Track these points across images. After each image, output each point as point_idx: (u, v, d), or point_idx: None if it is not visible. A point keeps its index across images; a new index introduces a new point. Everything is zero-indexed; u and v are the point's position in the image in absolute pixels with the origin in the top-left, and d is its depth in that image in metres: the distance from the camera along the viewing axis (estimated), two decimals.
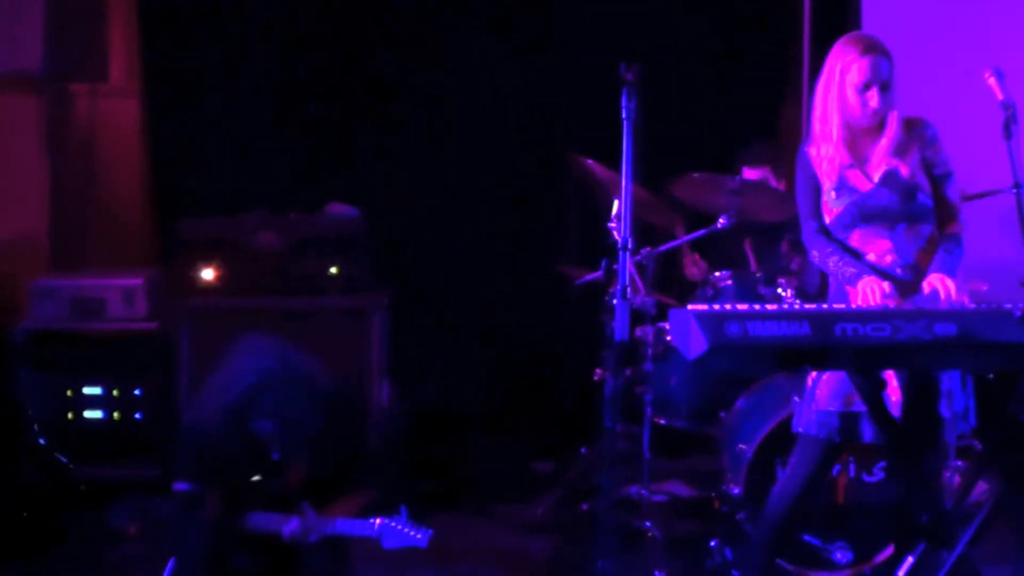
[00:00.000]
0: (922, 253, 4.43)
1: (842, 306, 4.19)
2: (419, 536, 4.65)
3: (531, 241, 7.35)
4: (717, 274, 5.99)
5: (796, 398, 5.26)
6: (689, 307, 3.74)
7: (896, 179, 4.42)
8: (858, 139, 4.48)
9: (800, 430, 4.56)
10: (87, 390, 6.33)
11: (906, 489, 4.66)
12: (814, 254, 4.54)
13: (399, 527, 4.66)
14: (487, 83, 7.29)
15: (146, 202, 7.25)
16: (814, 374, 4.49)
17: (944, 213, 4.47)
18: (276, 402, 4.63)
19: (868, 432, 4.41)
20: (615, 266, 4.42)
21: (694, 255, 6.44)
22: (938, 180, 4.47)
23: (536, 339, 7.33)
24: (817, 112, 4.51)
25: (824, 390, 4.44)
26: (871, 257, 4.44)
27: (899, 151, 4.44)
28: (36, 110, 7.01)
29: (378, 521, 4.68)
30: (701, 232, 5.98)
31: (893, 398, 4.32)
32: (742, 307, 3.74)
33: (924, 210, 4.44)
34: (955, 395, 4.38)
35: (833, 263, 4.44)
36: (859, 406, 4.38)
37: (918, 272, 4.39)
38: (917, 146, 4.46)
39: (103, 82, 7.21)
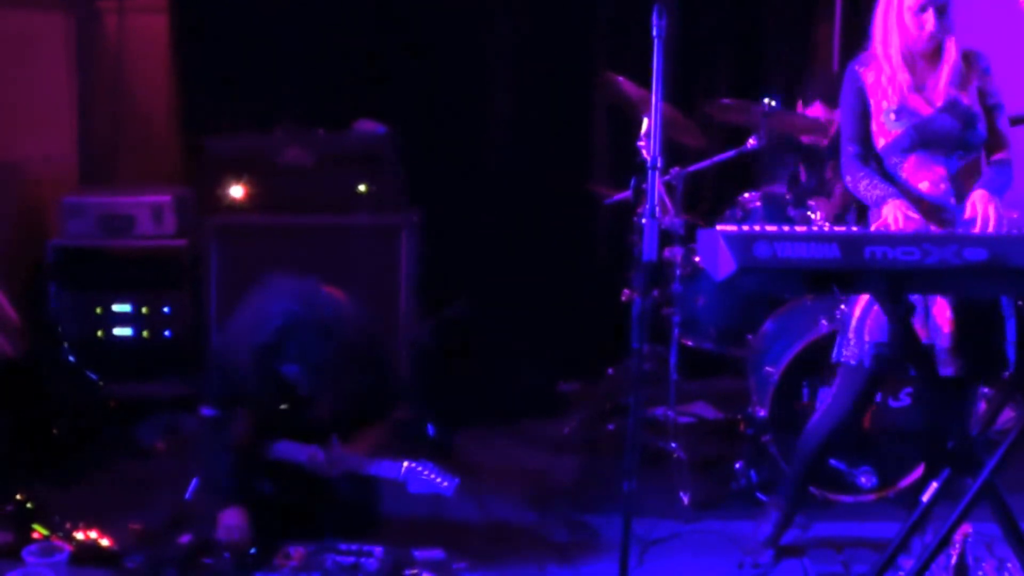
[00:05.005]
0: (973, 184, 4.40)
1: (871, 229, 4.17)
2: (445, 484, 4.66)
3: (561, 159, 7.30)
4: (747, 195, 5.95)
5: (824, 321, 5.25)
6: (718, 228, 3.71)
7: (958, 107, 4.40)
8: (917, 63, 4.44)
9: (846, 361, 4.54)
10: (116, 307, 6.34)
11: (931, 416, 4.65)
12: (847, 179, 4.52)
13: (426, 473, 4.68)
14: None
15: (175, 119, 7.22)
16: (860, 306, 4.46)
17: (995, 142, 4.47)
18: (301, 347, 4.64)
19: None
20: (644, 185, 4.38)
21: None
22: (990, 110, 4.46)
23: (565, 258, 7.30)
24: (877, 34, 4.46)
25: (874, 322, 4.42)
26: (924, 186, 4.41)
27: (960, 82, 4.41)
28: (65, 27, 6.98)
29: (405, 465, 4.70)
30: (731, 152, 5.94)
31: (943, 328, 4.32)
32: (771, 228, 3.71)
33: (980, 140, 4.44)
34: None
35: (864, 186, 4.42)
36: None
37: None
38: (975, 76, 4.44)
39: None
